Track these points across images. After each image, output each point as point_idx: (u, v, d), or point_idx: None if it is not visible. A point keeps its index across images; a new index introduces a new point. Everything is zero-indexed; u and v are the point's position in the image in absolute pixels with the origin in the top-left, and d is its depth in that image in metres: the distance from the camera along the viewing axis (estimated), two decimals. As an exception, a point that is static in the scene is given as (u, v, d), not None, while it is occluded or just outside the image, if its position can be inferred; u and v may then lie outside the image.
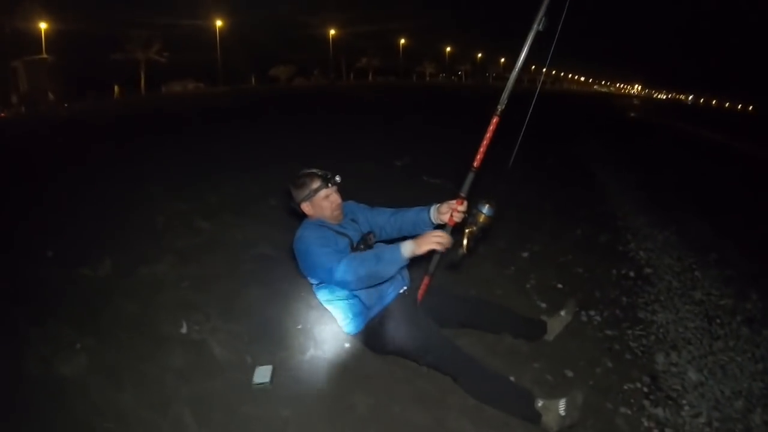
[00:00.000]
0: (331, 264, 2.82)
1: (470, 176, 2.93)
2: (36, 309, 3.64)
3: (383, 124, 13.33)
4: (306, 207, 3.13)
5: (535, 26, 2.65)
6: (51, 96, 29.79)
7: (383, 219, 3.31)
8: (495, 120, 2.82)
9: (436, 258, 3.07)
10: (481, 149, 2.87)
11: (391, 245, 2.87)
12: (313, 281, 3.17)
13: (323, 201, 3.10)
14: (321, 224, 3.09)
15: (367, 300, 3.05)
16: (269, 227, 5.12)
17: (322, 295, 3.16)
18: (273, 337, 3.39)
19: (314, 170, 3.16)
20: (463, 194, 2.94)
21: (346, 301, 3.08)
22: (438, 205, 3.10)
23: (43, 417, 2.73)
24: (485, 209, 2.78)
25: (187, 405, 2.79)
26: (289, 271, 3.92)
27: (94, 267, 4.21)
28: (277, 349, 3.28)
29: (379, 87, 42.81)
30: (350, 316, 3.11)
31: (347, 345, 3.27)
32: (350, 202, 3.37)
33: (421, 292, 3.22)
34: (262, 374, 2.98)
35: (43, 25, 35.84)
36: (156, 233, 4.94)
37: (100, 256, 4.32)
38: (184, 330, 3.42)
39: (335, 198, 3.13)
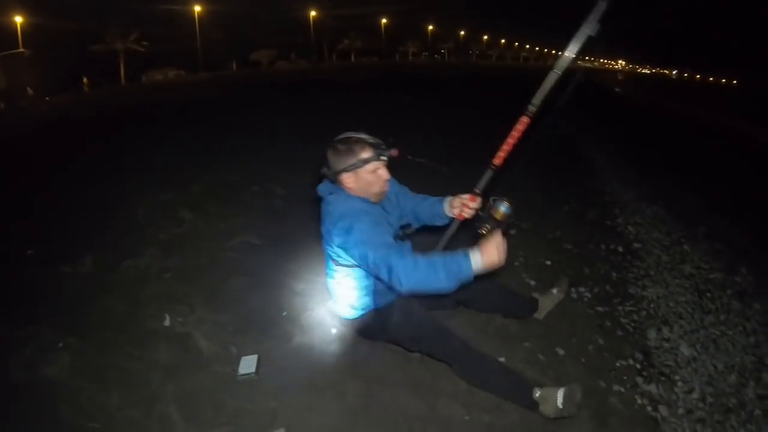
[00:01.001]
0: (390, 256, 2.43)
1: (488, 173, 2.78)
2: (17, 309, 3.56)
3: (366, 104, 13.21)
4: (347, 178, 2.67)
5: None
6: (30, 91, 29.39)
7: (409, 203, 3.07)
8: (524, 120, 2.62)
9: (439, 245, 2.99)
10: (505, 147, 2.67)
11: (458, 255, 2.42)
12: (341, 262, 2.77)
13: (370, 175, 2.67)
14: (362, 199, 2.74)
15: (380, 292, 2.86)
16: (252, 215, 5.07)
17: (338, 276, 2.85)
18: (258, 327, 3.32)
19: (365, 137, 2.71)
20: (477, 190, 2.81)
21: (360, 289, 2.84)
22: (451, 198, 2.94)
23: (28, 420, 2.66)
24: (504, 206, 2.65)
25: (174, 401, 2.73)
26: (273, 259, 3.86)
27: (76, 264, 4.13)
28: (262, 339, 3.21)
29: (362, 68, 42.66)
30: (356, 303, 2.89)
31: (335, 331, 3.21)
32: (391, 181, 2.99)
33: None
34: (248, 365, 2.92)
35: (18, 19, 35.34)
36: (138, 226, 4.85)
37: (81, 253, 4.24)
38: (167, 323, 3.34)
39: (384, 173, 2.71)
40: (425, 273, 2.38)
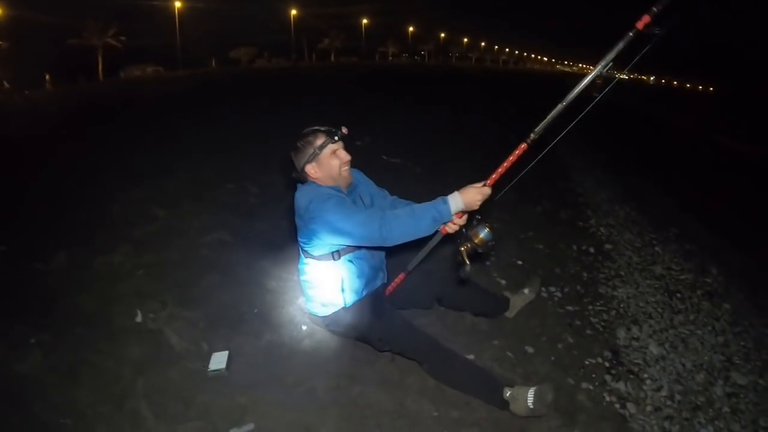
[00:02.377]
0: (370, 216, 2.60)
1: None
2: (-13, 306, 3.53)
3: (343, 104, 13.23)
4: (311, 169, 2.80)
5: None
6: (5, 84, 29.07)
7: (387, 206, 3.13)
8: (522, 147, 2.66)
9: (418, 257, 3.03)
10: (499, 170, 2.70)
11: (437, 201, 2.61)
12: (313, 253, 2.87)
13: (330, 158, 2.80)
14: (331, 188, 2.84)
15: (350, 289, 2.92)
16: (226, 213, 5.07)
17: (311, 273, 2.93)
18: (229, 323, 3.34)
19: (316, 126, 2.87)
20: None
21: (330, 286, 2.89)
22: None
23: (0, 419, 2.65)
24: (484, 232, 2.69)
25: (144, 397, 2.74)
26: (246, 257, 3.87)
27: (48, 261, 4.10)
28: (233, 335, 3.23)
29: (341, 68, 42.63)
30: (326, 301, 2.95)
31: (305, 328, 3.24)
32: (358, 172, 3.15)
33: (392, 286, 3.15)
34: (218, 360, 2.94)
35: (-4, 12, 34.88)
36: (111, 223, 4.82)
37: (54, 250, 4.21)
38: (139, 320, 3.34)
39: (343, 154, 2.85)
40: (408, 223, 2.58)
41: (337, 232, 2.66)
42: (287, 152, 2.87)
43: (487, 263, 4.52)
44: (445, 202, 2.59)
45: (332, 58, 63.39)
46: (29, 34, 34.14)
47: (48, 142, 8.54)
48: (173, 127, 9.80)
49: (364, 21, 69.12)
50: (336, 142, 2.82)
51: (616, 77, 2.95)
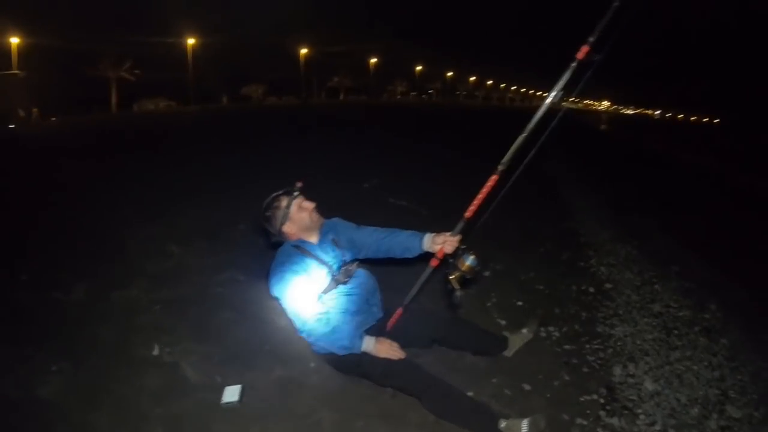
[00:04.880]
0: (303, 315, 3.00)
1: (461, 224, 3.07)
2: (11, 331, 3.74)
3: (352, 145, 13.44)
4: (288, 228, 3.15)
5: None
6: (22, 113, 29.45)
7: (371, 239, 3.36)
8: (494, 178, 2.90)
9: (413, 291, 3.24)
10: (476, 202, 2.97)
11: (356, 329, 3.10)
12: None
13: (299, 213, 3.14)
14: (302, 248, 3.15)
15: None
16: (238, 252, 5.22)
17: None
18: (242, 358, 3.52)
19: (273, 195, 3.21)
20: (456, 233, 3.09)
21: None
22: (433, 234, 3.18)
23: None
24: (470, 259, 2.94)
25: (160, 425, 2.91)
26: (257, 295, 4.02)
27: (68, 291, 4.30)
28: (246, 369, 3.40)
29: (350, 105, 43.04)
30: None
31: (313, 365, 3.42)
32: (335, 219, 3.43)
33: (391, 322, 3.32)
34: (231, 393, 3.11)
35: (14, 40, 35.48)
36: (128, 258, 5.03)
37: (73, 281, 4.42)
38: (156, 352, 3.53)
39: (308, 204, 3.17)
40: (325, 340, 3.04)
41: (285, 303, 3.09)
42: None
43: (488, 304, 4.66)
44: (360, 341, 3.05)
45: (341, 96, 63.93)
46: (45, 64, 34.60)
47: (66, 174, 8.77)
48: (187, 163, 10.03)
49: (373, 60, 69.75)
50: (297, 197, 3.17)
51: (563, 105, 3.21)
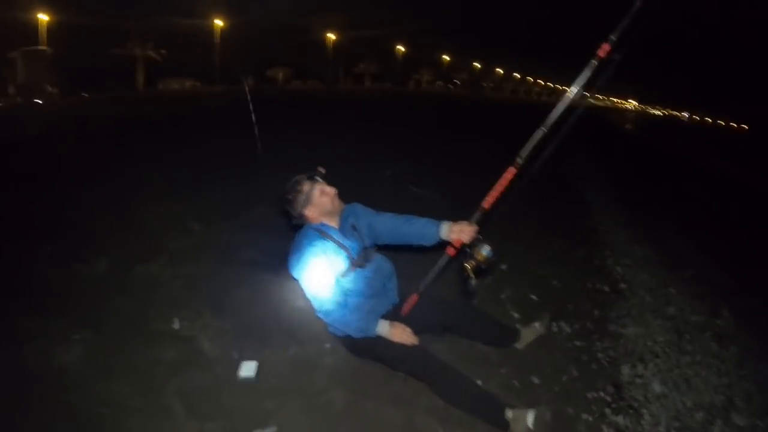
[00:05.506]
0: (319, 293, 3.08)
1: (478, 214, 3.09)
2: (34, 302, 3.85)
3: (375, 132, 13.46)
4: (309, 211, 3.20)
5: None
6: (49, 88, 29.77)
7: (389, 225, 3.38)
8: (512, 170, 2.92)
9: (429, 278, 3.27)
10: (493, 193, 2.99)
11: (371, 312, 3.19)
12: None
13: (321, 197, 3.19)
14: (322, 231, 3.20)
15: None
16: (258, 233, 5.32)
17: None
18: (259, 335, 3.61)
19: (295, 178, 3.26)
20: (474, 222, 3.12)
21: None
22: (451, 223, 3.20)
23: (41, 403, 2.94)
24: (486, 250, 2.98)
25: (177, 395, 3.03)
26: (276, 275, 4.11)
27: (91, 264, 4.43)
28: (262, 347, 3.49)
29: (375, 91, 43.02)
30: None
31: (328, 345, 3.50)
32: (355, 205, 3.47)
33: (406, 308, 3.36)
34: (248, 369, 3.23)
35: (44, 17, 35.76)
36: (150, 234, 5.15)
37: (96, 254, 4.55)
38: (176, 326, 3.65)
39: (329, 189, 3.22)
40: (341, 322, 3.14)
41: (304, 284, 3.17)
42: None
43: (502, 297, 4.70)
44: (375, 324, 3.12)
45: (367, 82, 63.76)
46: (72, 41, 34.83)
47: (91, 150, 8.92)
48: (210, 143, 10.16)
49: (400, 47, 69.37)
50: (319, 182, 3.23)
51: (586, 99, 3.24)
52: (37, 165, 7.71)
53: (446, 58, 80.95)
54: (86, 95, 29.18)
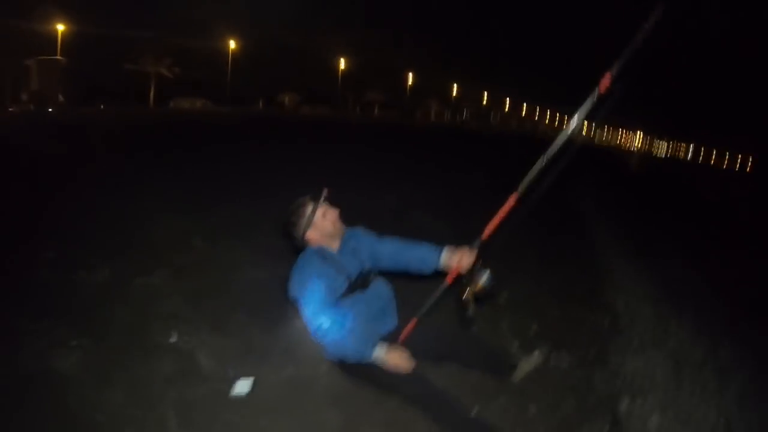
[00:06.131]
0: (317, 315, 3.03)
1: (478, 241, 3.11)
2: (34, 306, 3.90)
3: (380, 159, 13.55)
4: (311, 234, 3.20)
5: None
6: (61, 98, 30.16)
7: (391, 249, 3.39)
8: (512, 198, 2.95)
9: (428, 304, 3.27)
10: (494, 221, 3.01)
11: (369, 336, 3.12)
12: None
13: (323, 221, 3.18)
14: (323, 254, 3.20)
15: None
16: (261, 253, 5.32)
17: None
18: (256, 354, 3.63)
19: (299, 200, 3.26)
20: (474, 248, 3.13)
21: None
22: (451, 249, 3.21)
23: (37, 407, 2.95)
24: (485, 277, 3.00)
25: (172, 407, 3.03)
26: (276, 296, 4.11)
27: (93, 272, 4.47)
28: (258, 365, 3.50)
29: (382, 121, 43.37)
30: None
31: (325, 366, 3.47)
32: (357, 229, 3.47)
33: (404, 333, 3.34)
34: (242, 386, 3.22)
35: (60, 27, 36.29)
36: (154, 247, 5.19)
37: (99, 263, 4.60)
38: (173, 339, 3.66)
39: (332, 212, 3.22)
40: (338, 345, 3.06)
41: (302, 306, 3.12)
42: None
43: (502, 326, 4.69)
44: (372, 348, 3.03)
45: (375, 110, 64.20)
46: (88, 52, 35.39)
47: (99, 161, 9.02)
48: (218, 162, 10.25)
49: (409, 76, 69.88)
50: (322, 204, 3.21)
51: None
52: (43, 172, 7.79)
53: (454, 87, 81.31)
54: (100, 106, 29.56)
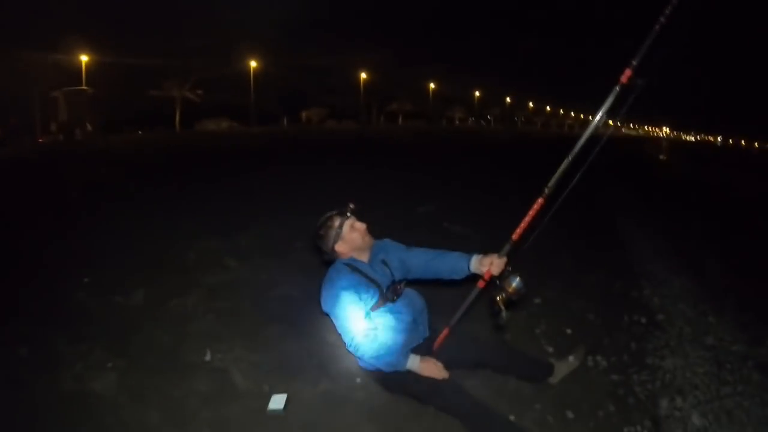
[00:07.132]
0: (350, 327, 3.06)
1: (508, 246, 3.09)
2: (72, 330, 4.00)
3: (407, 170, 13.56)
4: (340, 247, 3.23)
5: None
6: (89, 127, 30.84)
7: (420, 260, 3.39)
8: (539, 201, 2.95)
9: (459, 312, 3.26)
10: (522, 225, 3.00)
11: (402, 346, 3.14)
12: None
13: (351, 233, 3.21)
14: (353, 266, 3.21)
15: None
16: (294, 270, 5.35)
17: None
18: (290, 370, 3.64)
19: (327, 214, 3.30)
20: (503, 254, 3.11)
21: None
22: (480, 256, 3.20)
23: (74, 426, 3.04)
24: (516, 282, 2.96)
25: (207, 425, 3.08)
26: (309, 311, 4.13)
27: (128, 295, 4.56)
28: (293, 380, 3.53)
29: (408, 130, 43.40)
30: None
31: (359, 380, 3.49)
32: (386, 241, 3.49)
33: (438, 342, 3.35)
34: (277, 402, 3.25)
35: (84, 58, 37.04)
36: (187, 269, 5.28)
37: (133, 286, 4.68)
38: (208, 358, 3.70)
39: (359, 225, 3.25)
40: (372, 356, 3.06)
41: (335, 318, 3.15)
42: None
43: (537, 331, 4.65)
44: (405, 359, 3.09)
45: (400, 120, 64.27)
46: (113, 81, 36.04)
47: (130, 186, 9.19)
48: (247, 182, 10.37)
49: (432, 85, 69.83)
50: (350, 218, 3.25)
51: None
52: (75, 199, 7.97)
53: (477, 94, 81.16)
54: (127, 133, 30.15)
